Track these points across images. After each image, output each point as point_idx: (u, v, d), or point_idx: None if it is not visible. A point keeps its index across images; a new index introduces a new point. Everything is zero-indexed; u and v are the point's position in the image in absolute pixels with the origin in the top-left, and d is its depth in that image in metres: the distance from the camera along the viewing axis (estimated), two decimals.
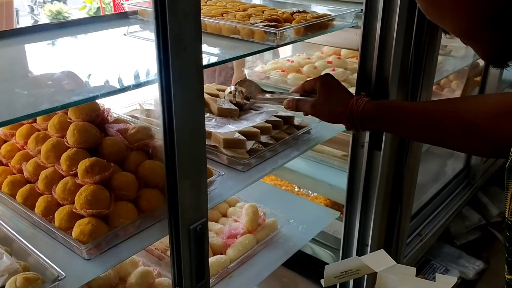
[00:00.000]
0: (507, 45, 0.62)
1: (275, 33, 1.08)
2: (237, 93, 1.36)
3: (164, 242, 1.28)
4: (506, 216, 0.59)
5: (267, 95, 1.31)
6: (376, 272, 0.78)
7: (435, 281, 0.77)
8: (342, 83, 1.69)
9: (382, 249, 0.83)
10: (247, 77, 1.88)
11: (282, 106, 1.21)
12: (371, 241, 1.43)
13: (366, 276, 0.99)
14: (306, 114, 1.19)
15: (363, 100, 1.05)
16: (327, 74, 1.18)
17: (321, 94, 1.11)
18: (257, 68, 1.86)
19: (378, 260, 0.80)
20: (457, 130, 0.94)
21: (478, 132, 0.90)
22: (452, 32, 0.67)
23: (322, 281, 0.84)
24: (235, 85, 1.37)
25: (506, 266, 0.61)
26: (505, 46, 0.62)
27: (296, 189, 2.00)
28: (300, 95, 1.18)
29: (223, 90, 1.52)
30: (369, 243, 1.44)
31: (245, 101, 1.35)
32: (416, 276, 0.79)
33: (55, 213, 0.91)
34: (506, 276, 0.61)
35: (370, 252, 1.45)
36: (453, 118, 0.94)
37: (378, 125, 1.07)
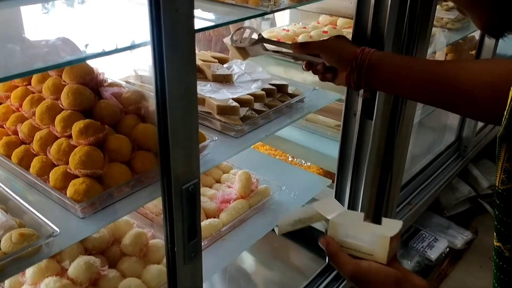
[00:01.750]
0: (506, 15, 0.62)
1: None
2: (243, 36, 1.27)
3: (158, 205, 1.30)
4: (497, 184, 0.60)
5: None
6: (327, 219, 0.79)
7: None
8: None
9: (332, 197, 0.84)
10: None
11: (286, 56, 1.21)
12: (360, 208, 1.47)
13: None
14: (309, 68, 1.17)
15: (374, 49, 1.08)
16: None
17: (333, 38, 1.13)
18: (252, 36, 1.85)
19: (329, 208, 0.80)
20: (456, 95, 0.96)
21: (476, 99, 0.93)
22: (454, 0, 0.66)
23: (275, 229, 0.83)
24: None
25: (495, 234, 0.62)
26: (504, 16, 0.62)
27: (290, 159, 2.03)
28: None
29: (219, 58, 1.53)
30: (359, 210, 1.47)
31: (252, 38, 1.27)
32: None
33: (50, 173, 0.93)
34: (495, 243, 0.62)
35: None
36: (453, 82, 0.97)
37: (381, 74, 1.05)
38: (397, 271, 0.71)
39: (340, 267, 0.74)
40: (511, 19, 0.63)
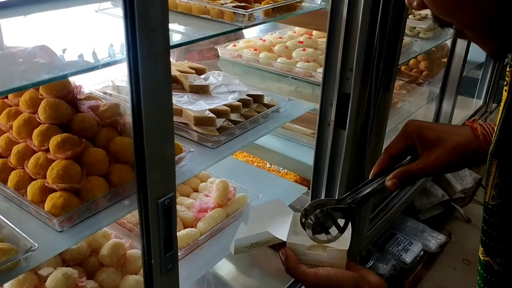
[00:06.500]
0: None
1: (244, 14, 1.11)
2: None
3: (135, 215, 1.31)
4: (486, 200, 0.61)
5: (348, 199, 0.82)
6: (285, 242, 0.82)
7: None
8: (312, 63, 1.73)
9: (290, 212, 0.85)
10: (220, 55, 1.90)
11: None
12: None
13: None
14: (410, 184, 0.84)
15: None
16: (411, 122, 0.85)
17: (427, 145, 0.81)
18: (230, 46, 1.88)
19: (285, 227, 0.82)
20: None
21: None
22: (465, 25, 0.57)
23: (231, 248, 0.81)
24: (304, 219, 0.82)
25: (482, 249, 0.62)
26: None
27: (268, 166, 2.06)
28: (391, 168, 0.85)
29: (196, 69, 1.55)
30: None
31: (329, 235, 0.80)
32: None
33: (28, 187, 0.94)
34: (482, 258, 0.62)
35: None
36: None
37: None
38: (354, 273, 0.73)
39: (299, 278, 0.76)
40: None
